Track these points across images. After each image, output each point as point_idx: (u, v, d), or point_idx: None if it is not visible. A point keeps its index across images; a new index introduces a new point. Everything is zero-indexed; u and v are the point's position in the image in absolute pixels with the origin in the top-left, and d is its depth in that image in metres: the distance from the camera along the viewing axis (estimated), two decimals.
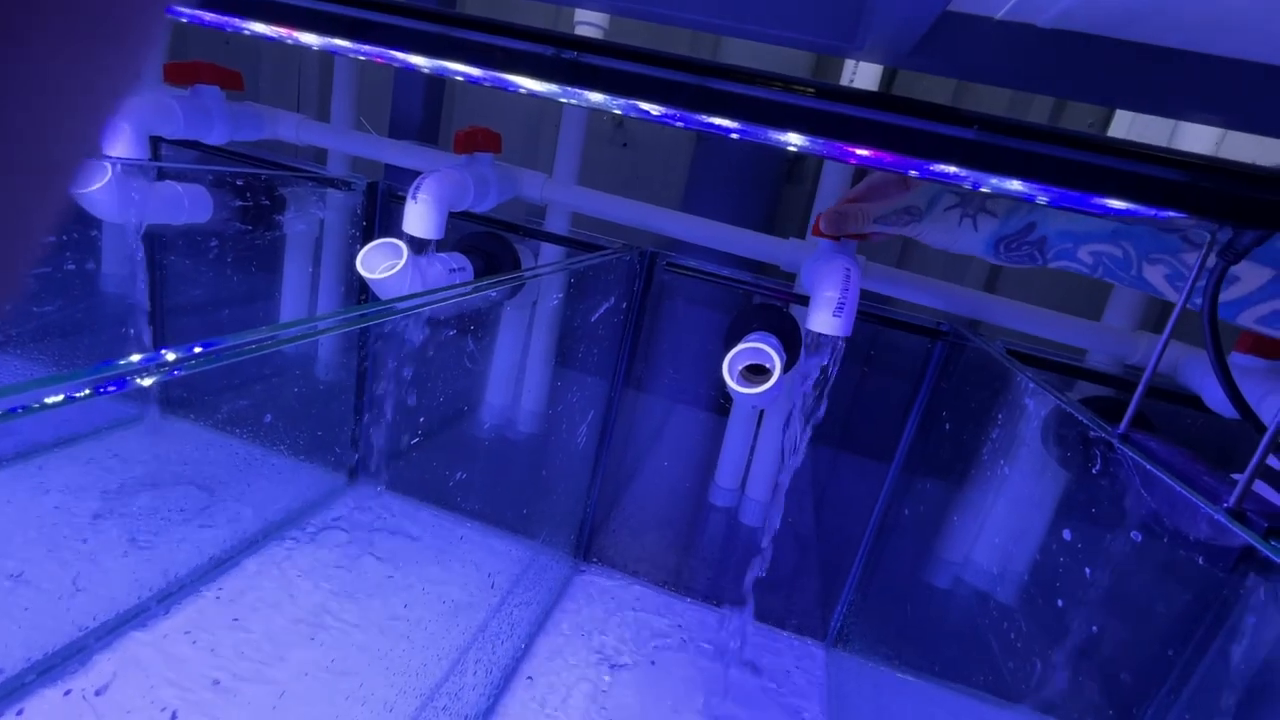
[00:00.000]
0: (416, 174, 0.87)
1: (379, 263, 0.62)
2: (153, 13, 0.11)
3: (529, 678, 0.70)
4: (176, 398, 1.03)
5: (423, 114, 0.83)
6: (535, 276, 0.76)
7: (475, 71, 0.42)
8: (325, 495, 0.93)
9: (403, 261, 0.60)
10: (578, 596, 0.86)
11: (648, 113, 0.41)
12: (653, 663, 0.76)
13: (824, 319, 0.54)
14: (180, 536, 0.78)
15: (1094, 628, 0.45)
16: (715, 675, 0.77)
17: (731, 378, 0.56)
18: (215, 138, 0.74)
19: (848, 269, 0.54)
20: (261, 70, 1.19)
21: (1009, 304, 0.80)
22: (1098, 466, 0.37)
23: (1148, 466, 0.33)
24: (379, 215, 0.83)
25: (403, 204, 0.83)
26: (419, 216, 0.60)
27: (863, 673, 0.76)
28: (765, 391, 0.55)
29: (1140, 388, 0.36)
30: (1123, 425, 0.36)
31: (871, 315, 0.75)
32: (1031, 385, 0.50)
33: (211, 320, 0.90)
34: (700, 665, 0.78)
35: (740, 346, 0.56)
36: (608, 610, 0.84)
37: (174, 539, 0.77)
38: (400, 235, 0.65)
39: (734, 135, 0.39)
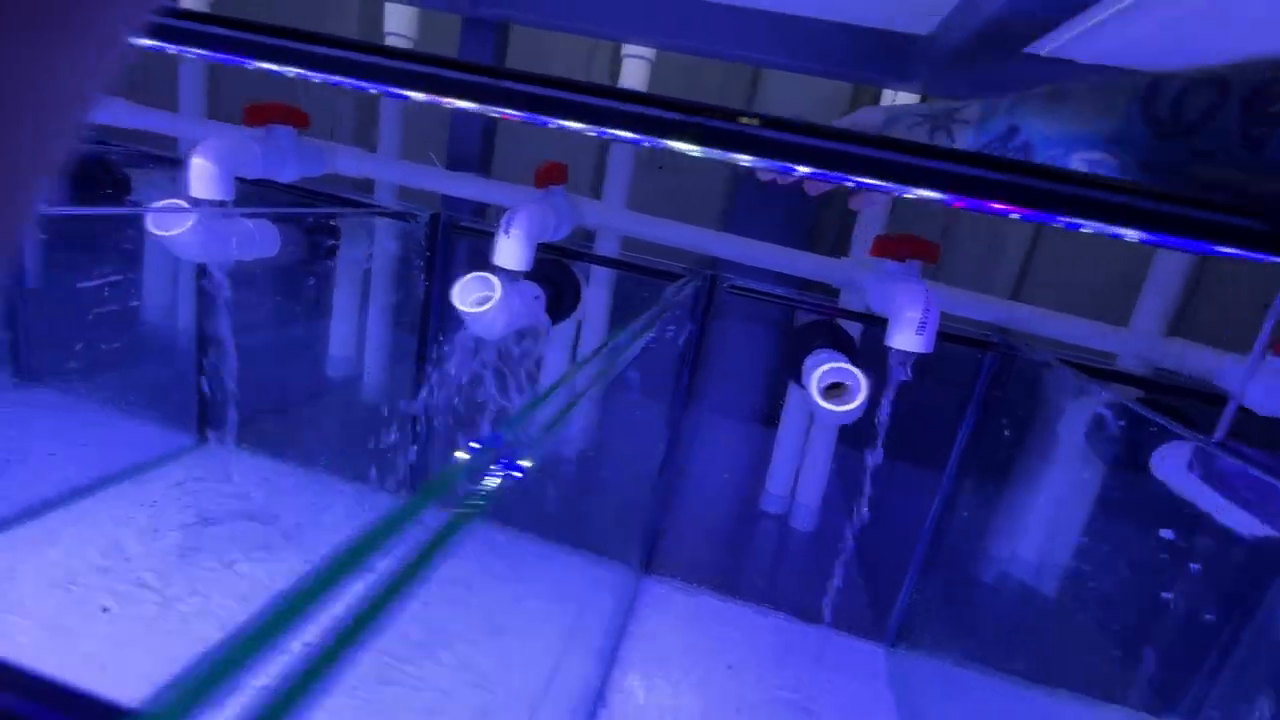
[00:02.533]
0: (473, 204, 0.90)
1: (472, 295, 0.65)
2: (119, 18, 0.10)
3: (615, 689, 0.73)
4: (220, 422, 1.04)
5: (480, 146, 0.85)
6: (662, 314, 0.79)
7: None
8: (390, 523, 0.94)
9: (497, 295, 0.63)
10: (648, 608, 0.89)
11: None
12: (729, 666, 0.79)
13: (908, 338, 0.58)
14: (259, 573, 0.79)
15: (1188, 629, 0.50)
16: (786, 679, 0.81)
17: (820, 397, 0.60)
18: (287, 175, 0.76)
19: (927, 290, 0.58)
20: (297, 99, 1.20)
21: (1037, 311, 0.85)
22: (1197, 472, 0.42)
23: (1252, 472, 0.37)
24: (440, 247, 0.85)
25: (464, 235, 0.85)
26: (511, 250, 0.63)
27: (927, 671, 0.80)
28: (853, 410, 0.59)
29: (1235, 398, 0.40)
30: (1219, 432, 0.41)
31: None
32: (1109, 396, 0.55)
33: (284, 354, 0.92)
34: (770, 669, 0.81)
35: (828, 366, 0.60)
36: (676, 620, 0.87)
37: (255, 576, 0.78)
38: (456, 266, 0.68)
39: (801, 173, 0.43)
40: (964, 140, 0.47)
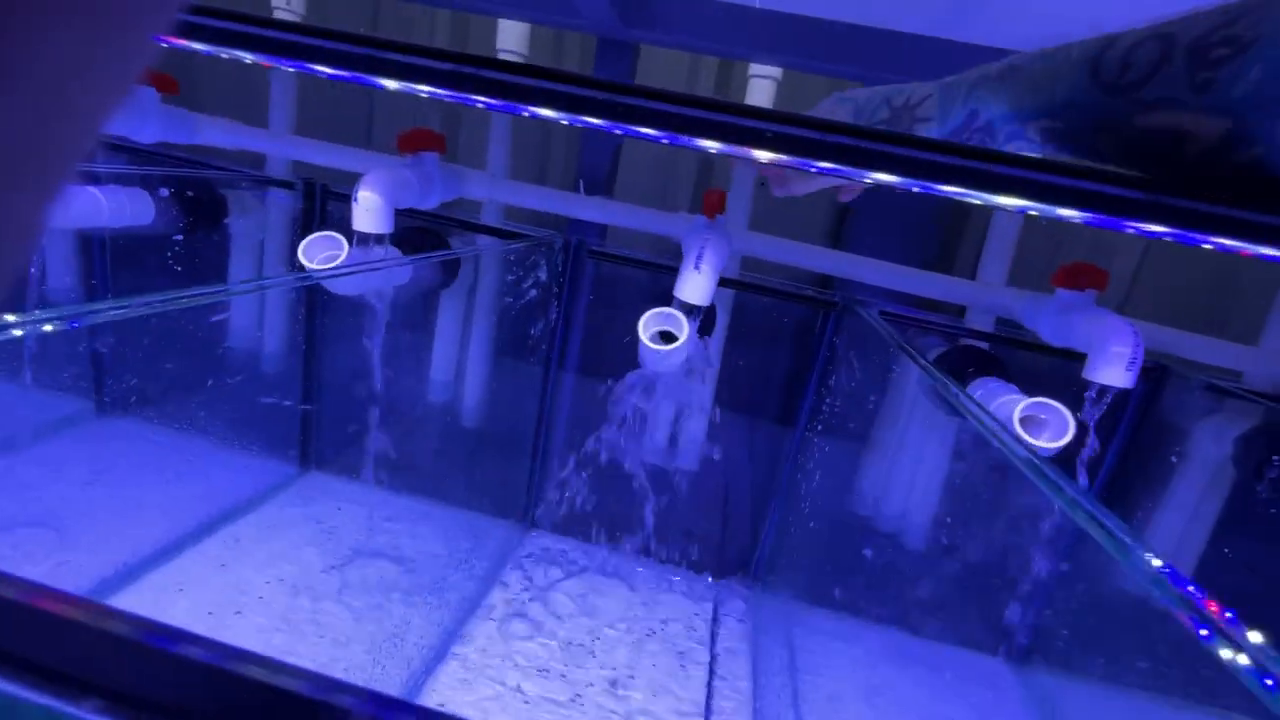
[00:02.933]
0: (598, 228, 0.88)
1: (652, 330, 0.63)
2: (154, 9, 0.10)
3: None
4: (320, 454, 1.00)
5: (609, 169, 0.83)
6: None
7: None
8: (509, 547, 0.92)
9: (686, 333, 0.61)
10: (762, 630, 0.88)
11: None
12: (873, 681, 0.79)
13: (1116, 373, 0.58)
14: (394, 609, 0.76)
15: None
16: (924, 693, 0.81)
17: (1026, 431, 0.59)
18: (430, 202, 0.73)
19: (1131, 324, 0.58)
20: (376, 114, 1.16)
21: (1162, 329, 0.85)
22: None
23: None
24: (569, 272, 0.83)
25: (595, 261, 0.83)
26: (701, 286, 0.61)
27: (1056, 685, 0.81)
28: (1058, 448, 0.59)
29: None
30: None
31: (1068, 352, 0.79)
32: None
33: (391, 383, 0.89)
34: (913, 686, 0.82)
35: (1030, 401, 0.60)
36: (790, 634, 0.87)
37: (391, 613, 0.75)
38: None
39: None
40: (928, 134, 0.49)
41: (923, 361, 0.51)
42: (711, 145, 0.40)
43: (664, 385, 0.89)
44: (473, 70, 0.34)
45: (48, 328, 0.29)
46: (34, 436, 0.91)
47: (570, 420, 0.91)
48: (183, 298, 0.36)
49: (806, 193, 0.56)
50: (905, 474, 0.91)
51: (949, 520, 0.88)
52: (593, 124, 0.40)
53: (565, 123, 0.43)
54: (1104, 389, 0.59)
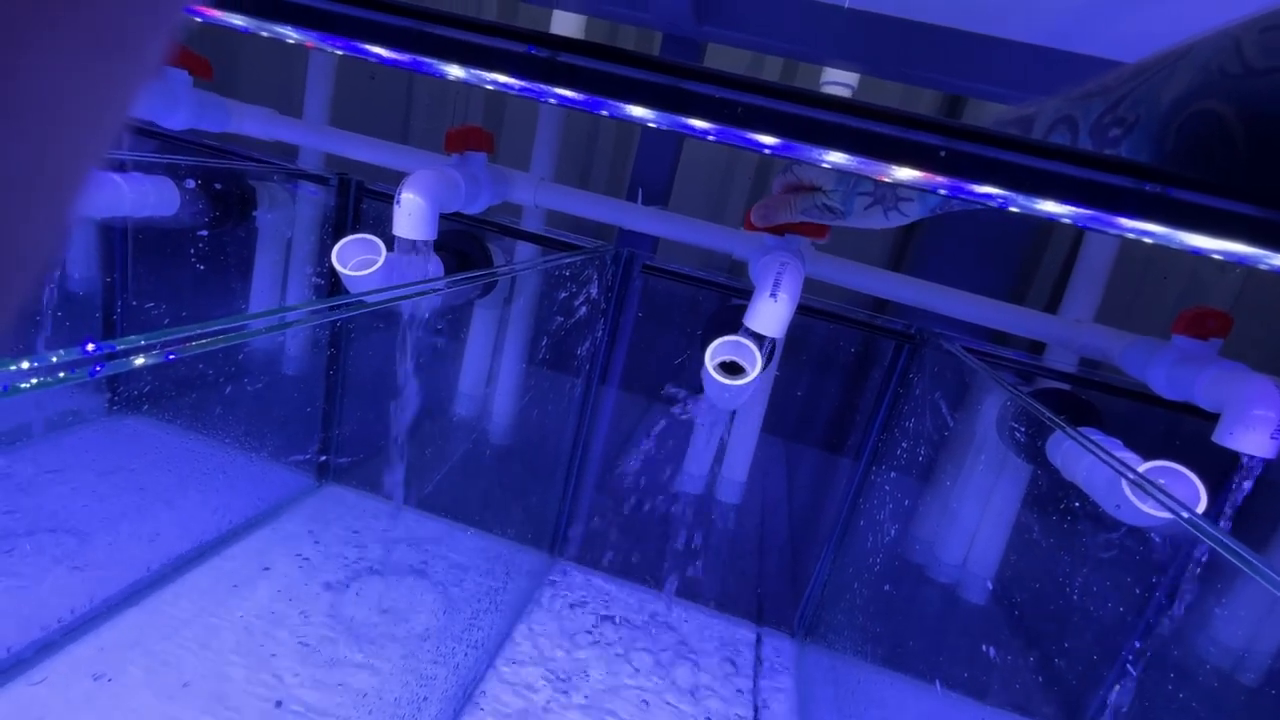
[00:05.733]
0: (650, 240, 0.81)
1: (718, 360, 0.56)
2: (164, 19, 0.10)
3: None
4: (344, 466, 0.95)
5: (667, 178, 0.77)
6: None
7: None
8: (536, 578, 0.85)
9: (759, 367, 0.54)
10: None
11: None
12: None
13: (1258, 441, 0.50)
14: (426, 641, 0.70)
15: None
16: None
17: (1140, 500, 0.52)
18: (477, 207, 0.67)
19: (1275, 386, 0.51)
20: (414, 109, 1.11)
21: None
22: None
23: None
24: (619, 286, 0.77)
25: (647, 276, 0.77)
26: (778, 314, 0.54)
27: None
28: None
29: None
30: None
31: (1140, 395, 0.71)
32: None
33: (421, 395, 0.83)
34: None
35: (1154, 465, 0.52)
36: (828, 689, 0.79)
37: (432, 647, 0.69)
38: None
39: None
40: (912, 209, 0.50)
41: (1052, 417, 0.43)
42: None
43: (710, 414, 0.82)
44: (593, 63, 0.28)
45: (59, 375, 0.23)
46: (37, 432, 0.87)
47: (608, 443, 0.85)
48: (222, 330, 0.30)
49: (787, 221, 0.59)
50: (993, 529, 0.84)
51: (1035, 584, 0.81)
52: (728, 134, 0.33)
53: (652, 124, 0.36)
54: (1242, 458, 0.51)
